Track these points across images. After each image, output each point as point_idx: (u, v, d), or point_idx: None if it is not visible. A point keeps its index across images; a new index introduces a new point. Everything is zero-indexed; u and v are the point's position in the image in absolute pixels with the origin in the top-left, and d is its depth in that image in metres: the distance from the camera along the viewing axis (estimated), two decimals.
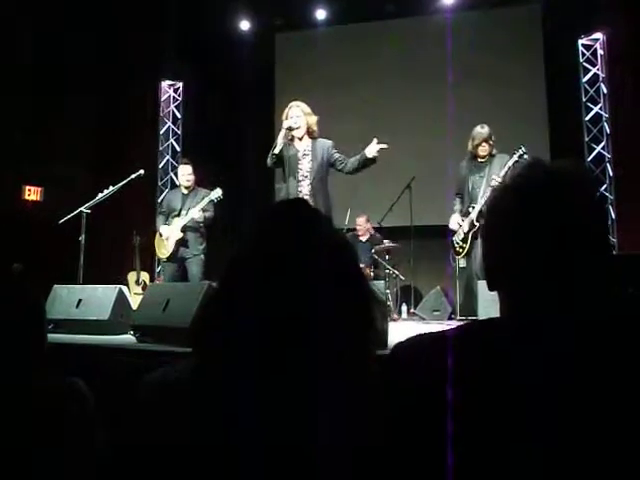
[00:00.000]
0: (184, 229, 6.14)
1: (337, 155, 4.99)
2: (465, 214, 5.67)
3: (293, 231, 0.98)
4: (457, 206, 5.85)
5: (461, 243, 5.73)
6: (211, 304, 1.02)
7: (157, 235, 6.34)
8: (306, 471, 0.89)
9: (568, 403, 0.89)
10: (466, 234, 5.61)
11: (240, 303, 0.96)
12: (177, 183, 6.55)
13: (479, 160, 5.61)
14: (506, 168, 5.32)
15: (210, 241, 6.37)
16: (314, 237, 0.98)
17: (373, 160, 4.88)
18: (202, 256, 6.21)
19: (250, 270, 0.97)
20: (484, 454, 0.90)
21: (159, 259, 6.53)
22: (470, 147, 5.66)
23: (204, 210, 6.14)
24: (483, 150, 5.56)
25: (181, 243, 6.15)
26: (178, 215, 6.21)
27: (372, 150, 4.84)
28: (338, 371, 0.93)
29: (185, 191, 6.34)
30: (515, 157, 5.37)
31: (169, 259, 6.22)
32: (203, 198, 6.14)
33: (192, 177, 6.35)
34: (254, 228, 1.04)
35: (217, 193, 6.12)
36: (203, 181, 6.47)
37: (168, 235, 6.15)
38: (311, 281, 0.93)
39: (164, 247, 6.19)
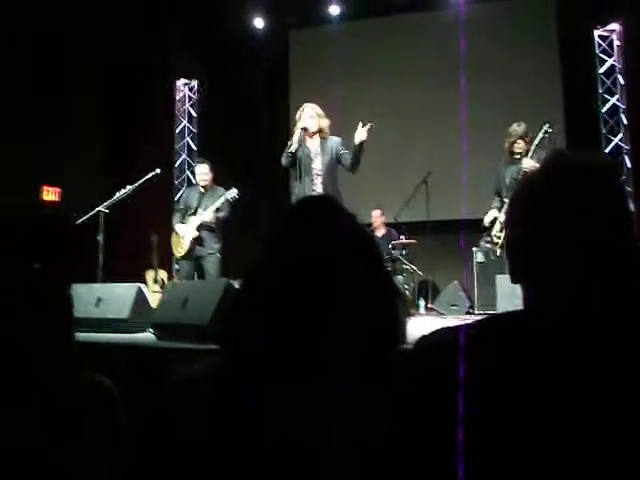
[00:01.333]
0: (200, 227, 6.17)
1: (343, 152, 5.05)
2: (502, 209, 5.76)
3: (317, 229, 0.98)
4: (495, 204, 5.94)
5: (499, 234, 5.82)
6: (237, 304, 1.02)
7: (173, 233, 6.38)
8: (324, 469, 0.89)
9: (592, 400, 0.88)
10: (502, 225, 5.67)
11: (265, 303, 0.96)
12: (194, 182, 6.57)
13: (516, 157, 5.67)
14: (534, 146, 5.45)
15: (226, 240, 6.39)
16: (338, 234, 0.98)
17: (361, 145, 4.89)
18: (218, 254, 6.24)
19: (275, 270, 0.97)
20: (503, 452, 0.90)
21: (177, 258, 6.55)
22: (507, 145, 5.76)
23: (217, 210, 6.17)
24: (519, 147, 5.66)
25: (197, 241, 6.18)
26: (194, 213, 6.24)
27: (358, 135, 4.87)
28: (362, 369, 0.94)
29: (202, 190, 6.37)
30: (541, 134, 5.49)
31: (185, 257, 6.26)
32: (219, 197, 6.18)
33: (209, 176, 6.38)
34: (277, 227, 1.04)
35: (232, 193, 6.15)
36: (217, 179, 6.49)
37: (184, 233, 6.18)
38: (337, 280, 0.93)
39: (180, 245, 6.23)
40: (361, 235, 1.02)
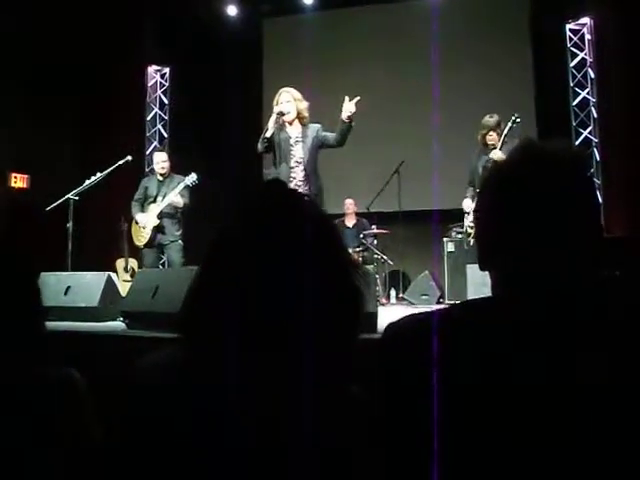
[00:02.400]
0: (161, 215, 6.20)
1: (325, 133, 4.98)
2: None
3: (276, 215, 0.98)
4: (469, 193, 5.97)
5: (472, 224, 5.87)
6: (196, 290, 1.02)
7: (133, 223, 6.38)
8: (288, 461, 0.90)
9: (562, 385, 0.90)
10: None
11: (225, 289, 0.95)
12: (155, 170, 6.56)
13: (490, 148, 5.73)
14: (502, 136, 5.53)
15: (188, 226, 6.41)
16: (299, 221, 0.97)
17: (350, 122, 4.80)
18: (180, 241, 6.29)
19: (234, 255, 0.97)
20: (471, 436, 0.91)
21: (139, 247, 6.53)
22: (479, 136, 5.83)
23: (180, 195, 6.20)
24: (491, 139, 5.72)
25: (158, 229, 6.18)
26: (154, 201, 6.26)
27: (347, 108, 4.78)
28: (325, 360, 0.94)
29: (160, 178, 6.41)
30: (510, 123, 5.56)
31: (147, 246, 6.27)
32: (178, 184, 6.22)
33: (167, 164, 6.44)
34: (236, 213, 1.03)
35: (192, 178, 6.20)
36: (190, 168, 6.47)
37: (145, 222, 6.20)
38: (297, 266, 0.93)
39: (141, 234, 6.25)
40: (323, 221, 1.02)
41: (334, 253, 0.99)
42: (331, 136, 4.95)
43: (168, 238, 6.24)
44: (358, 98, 4.79)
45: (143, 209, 6.35)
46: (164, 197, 6.20)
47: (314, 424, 0.90)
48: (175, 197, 6.15)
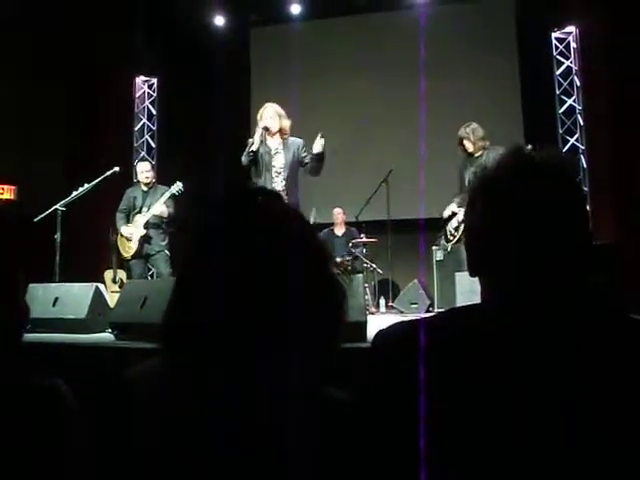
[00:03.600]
0: (147, 226, 6.18)
1: (305, 154, 5.07)
2: (462, 206, 5.79)
3: (253, 223, 0.97)
4: (456, 199, 5.98)
5: (453, 231, 5.88)
6: (174, 301, 1.02)
7: (118, 235, 6.37)
8: (271, 466, 0.90)
9: (548, 390, 0.90)
10: (460, 223, 5.71)
11: (202, 299, 0.95)
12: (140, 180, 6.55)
13: (475, 156, 5.75)
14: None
15: (173, 236, 6.39)
16: (278, 229, 0.97)
17: (320, 155, 4.95)
18: (166, 251, 6.26)
19: (210, 265, 0.96)
20: (460, 443, 0.91)
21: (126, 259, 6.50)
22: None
23: (166, 205, 6.19)
24: (463, 149, 5.78)
25: (144, 240, 6.17)
26: (139, 212, 6.25)
27: (315, 147, 4.93)
28: (307, 370, 0.94)
29: (145, 188, 6.40)
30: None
31: (134, 257, 6.25)
32: (163, 194, 6.21)
33: (151, 173, 6.45)
34: (212, 222, 1.03)
35: (177, 187, 6.21)
36: (177, 177, 6.45)
37: (131, 234, 6.18)
38: (277, 274, 0.92)
39: (128, 246, 6.23)
40: (305, 231, 1.01)
41: (315, 259, 0.98)
42: (308, 166, 5.06)
43: (154, 248, 6.23)
44: (320, 137, 4.89)
45: (128, 220, 6.33)
46: (149, 208, 6.19)
47: (297, 428, 0.89)
48: (160, 207, 6.15)
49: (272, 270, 0.92)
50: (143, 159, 6.73)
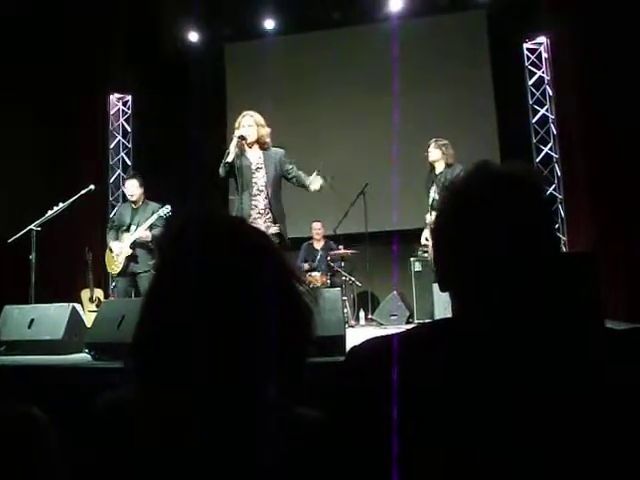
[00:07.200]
0: (133, 245, 6.10)
1: (289, 165, 4.95)
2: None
3: (216, 244, 0.98)
4: (428, 219, 6.07)
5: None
6: (142, 323, 1.02)
7: (107, 251, 6.28)
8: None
9: (521, 403, 0.90)
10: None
11: (168, 319, 0.95)
12: (127, 197, 6.49)
13: (436, 172, 5.83)
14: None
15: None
16: (240, 250, 0.97)
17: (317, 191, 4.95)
18: (153, 272, 6.15)
19: (174, 286, 0.97)
20: (433, 458, 0.91)
21: (113, 275, 6.45)
22: None
23: (153, 227, 6.11)
24: (432, 164, 6.10)
25: (131, 258, 6.10)
26: (127, 230, 6.18)
27: (313, 185, 4.90)
28: (275, 384, 0.94)
29: (134, 205, 6.31)
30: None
31: (120, 274, 6.17)
32: (152, 213, 6.13)
33: (138, 191, 6.30)
34: (175, 244, 1.03)
35: (166, 209, 6.11)
36: (150, 195, 6.41)
37: (119, 251, 6.10)
38: (241, 294, 0.93)
39: (114, 263, 6.14)
40: (266, 246, 1.02)
41: (279, 278, 0.98)
42: (291, 174, 4.97)
43: (141, 267, 6.12)
44: (318, 172, 4.90)
45: (118, 237, 6.25)
46: (137, 225, 6.11)
47: (266, 450, 0.89)
48: (144, 233, 6.05)
49: (235, 288, 0.92)
50: (129, 176, 6.58)
